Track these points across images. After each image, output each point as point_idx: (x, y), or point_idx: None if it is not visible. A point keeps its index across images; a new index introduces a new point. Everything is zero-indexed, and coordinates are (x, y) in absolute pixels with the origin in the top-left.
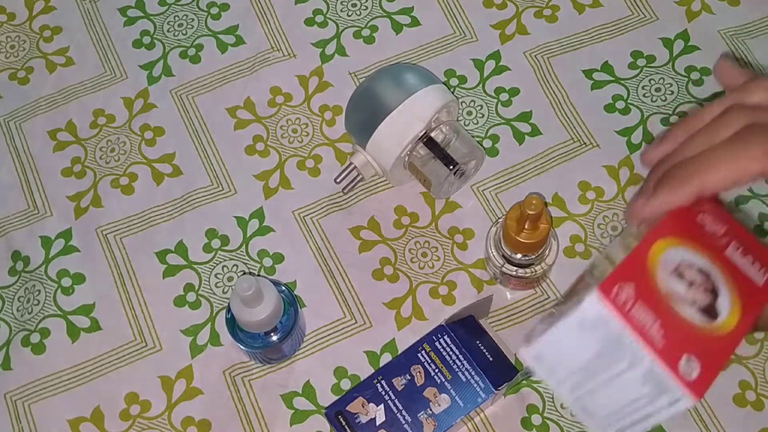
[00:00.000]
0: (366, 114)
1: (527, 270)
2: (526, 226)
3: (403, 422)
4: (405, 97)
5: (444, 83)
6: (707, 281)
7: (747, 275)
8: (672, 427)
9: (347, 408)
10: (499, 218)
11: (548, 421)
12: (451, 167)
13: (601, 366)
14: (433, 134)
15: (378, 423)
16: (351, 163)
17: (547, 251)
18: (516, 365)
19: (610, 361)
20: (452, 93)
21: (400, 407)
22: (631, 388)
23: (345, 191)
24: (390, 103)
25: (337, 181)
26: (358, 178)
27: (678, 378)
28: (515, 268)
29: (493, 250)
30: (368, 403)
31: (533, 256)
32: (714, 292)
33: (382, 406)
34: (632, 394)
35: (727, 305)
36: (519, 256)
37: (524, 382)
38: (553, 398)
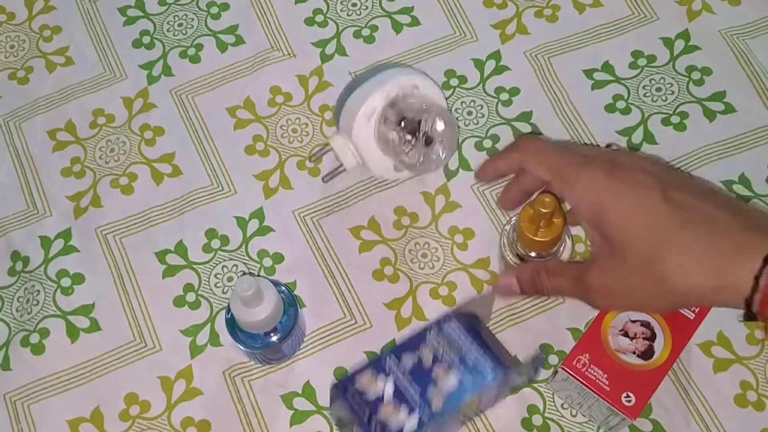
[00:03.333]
0: (343, 102)
1: None
2: (540, 225)
3: (411, 401)
4: (373, 76)
5: (443, 83)
6: (647, 329)
7: (681, 313)
8: (673, 428)
9: (355, 386)
10: (510, 219)
11: (549, 421)
12: (402, 124)
13: (584, 396)
14: (400, 104)
15: (386, 401)
16: (327, 144)
17: (562, 247)
18: (516, 367)
19: (587, 395)
20: (428, 77)
21: (408, 385)
22: (603, 409)
23: (325, 179)
24: (359, 83)
25: (311, 158)
26: (341, 169)
27: (620, 408)
28: None
29: (508, 253)
30: (377, 380)
31: (550, 251)
32: (653, 336)
33: (390, 383)
34: (606, 412)
35: (661, 345)
36: (534, 254)
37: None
38: (553, 398)
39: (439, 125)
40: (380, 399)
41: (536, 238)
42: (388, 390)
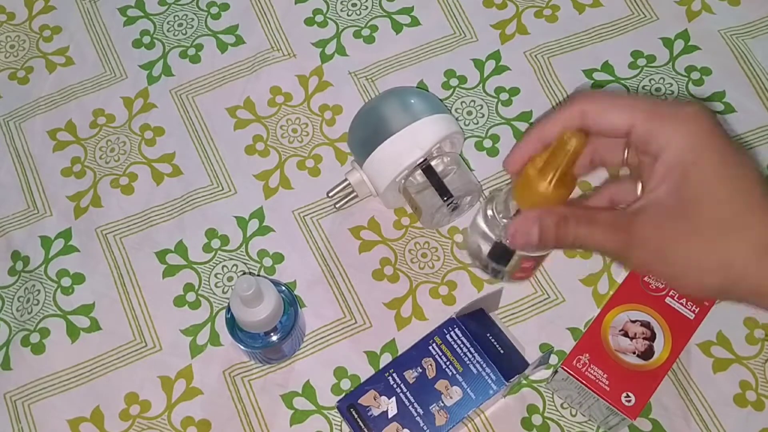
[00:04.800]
0: (368, 133)
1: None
2: (555, 175)
3: (415, 415)
4: (409, 122)
5: (443, 83)
6: (647, 329)
7: (681, 313)
8: (673, 428)
9: (359, 401)
10: (495, 188)
11: (549, 421)
12: (445, 198)
13: (584, 396)
14: (432, 163)
15: (390, 416)
16: (346, 179)
17: None
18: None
19: (587, 395)
20: (459, 125)
21: (412, 400)
22: (603, 408)
23: (337, 207)
24: (393, 125)
25: (330, 195)
26: (353, 195)
27: (619, 408)
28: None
29: (498, 217)
30: (380, 395)
31: None
32: (653, 337)
33: (393, 398)
34: (606, 411)
35: (661, 345)
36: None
37: (524, 381)
38: (553, 398)
39: (468, 198)
40: (385, 419)
41: (549, 191)
42: (392, 410)
